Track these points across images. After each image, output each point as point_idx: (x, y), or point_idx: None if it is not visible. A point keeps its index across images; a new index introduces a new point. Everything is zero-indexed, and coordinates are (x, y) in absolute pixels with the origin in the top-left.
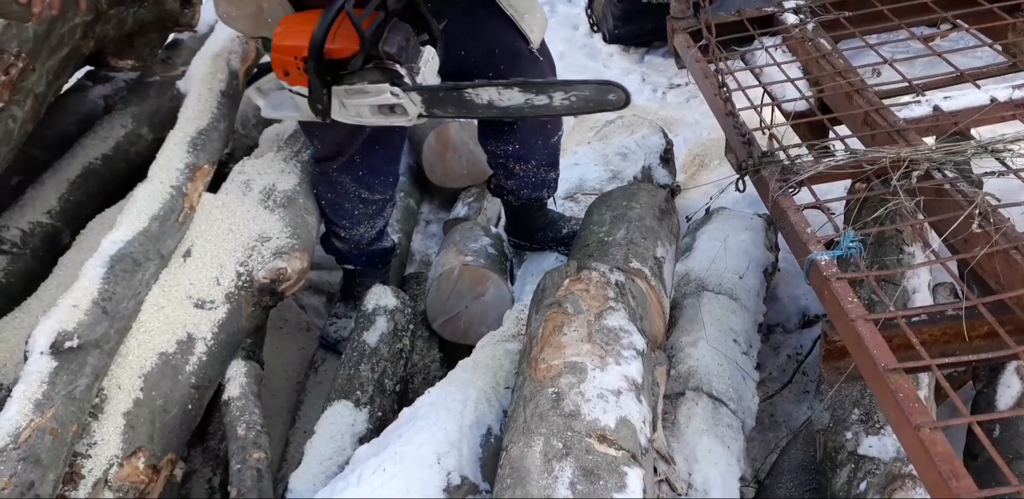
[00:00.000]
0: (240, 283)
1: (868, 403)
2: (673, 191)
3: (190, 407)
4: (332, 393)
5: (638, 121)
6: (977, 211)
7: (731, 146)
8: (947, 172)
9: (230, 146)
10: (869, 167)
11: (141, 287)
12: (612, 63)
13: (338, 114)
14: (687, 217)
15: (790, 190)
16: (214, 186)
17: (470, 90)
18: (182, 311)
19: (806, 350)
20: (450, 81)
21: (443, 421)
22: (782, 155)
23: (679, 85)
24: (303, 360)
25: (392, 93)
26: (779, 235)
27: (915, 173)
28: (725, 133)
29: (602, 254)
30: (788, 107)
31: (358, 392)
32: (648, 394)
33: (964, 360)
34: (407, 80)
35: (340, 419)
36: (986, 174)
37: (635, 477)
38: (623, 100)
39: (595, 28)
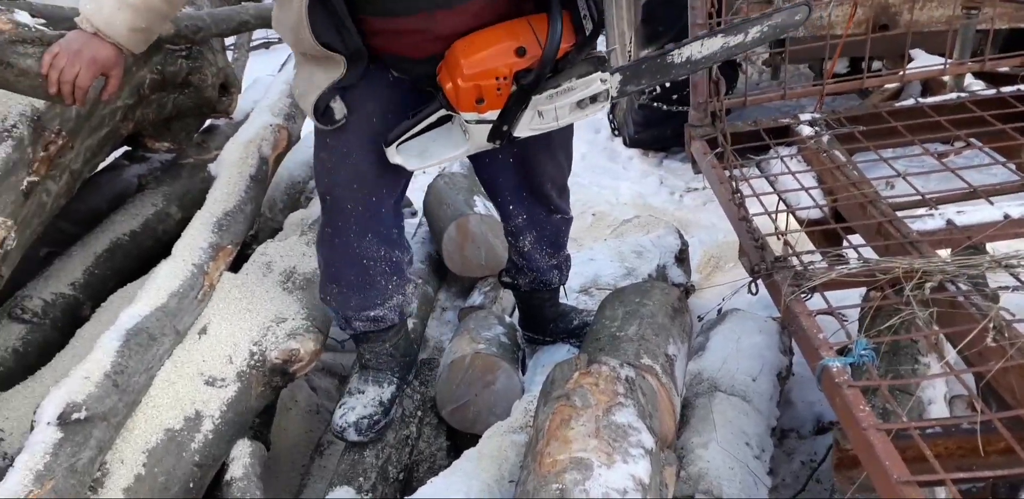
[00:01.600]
0: (252, 362)
1: None
2: (687, 291)
3: (192, 485)
4: (334, 478)
5: (654, 221)
6: (991, 325)
7: (744, 250)
8: (961, 284)
9: (255, 228)
10: (882, 276)
11: (154, 362)
12: (632, 166)
13: (526, 128)
14: (699, 317)
15: (803, 295)
16: (236, 267)
17: (674, 52)
18: (192, 388)
19: (820, 457)
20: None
21: None
22: (795, 260)
23: (696, 189)
24: (310, 442)
25: (601, 80)
26: (792, 339)
27: (928, 284)
28: (739, 237)
29: (613, 349)
30: (802, 215)
31: (360, 478)
32: (656, 495)
33: (980, 475)
34: (610, 62)
35: None
36: (1001, 288)
37: None
38: (807, 13)
39: (616, 132)
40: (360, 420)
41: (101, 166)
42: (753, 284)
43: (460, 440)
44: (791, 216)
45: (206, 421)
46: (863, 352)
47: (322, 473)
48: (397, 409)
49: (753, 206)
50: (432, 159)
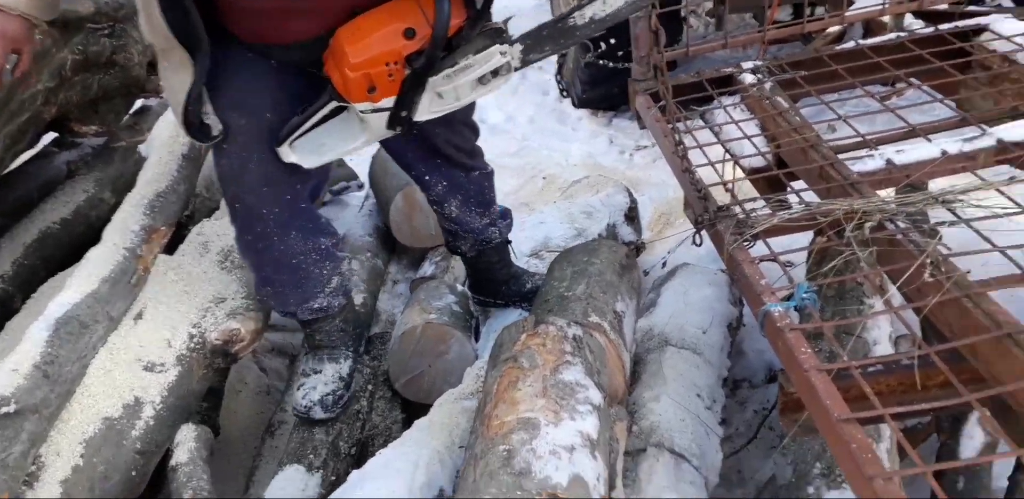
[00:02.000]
0: (192, 345)
1: (830, 457)
2: (638, 248)
3: (134, 474)
4: (284, 457)
5: (603, 180)
6: (928, 260)
7: (688, 202)
8: (900, 222)
9: (191, 208)
10: (823, 219)
11: (88, 350)
12: (581, 126)
13: (426, 112)
14: (645, 272)
15: (745, 243)
16: (172, 249)
17: (575, 14)
18: (130, 374)
19: (772, 404)
20: None
21: (392, 483)
22: (738, 209)
23: (645, 146)
24: (261, 424)
25: (501, 52)
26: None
27: (868, 224)
28: (683, 189)
29: (562, 309)
30: (746, 163)
31: (311, 456)
32: (604, 450)
33: (917, 409)
34: (507, 33)
35: (290, 485)
36: (939, 224)
37: None
38: None
39: (564, 93)
40: (324, 397)
41: (29, 154)
42: (697, 235)
43: (416, 412)
44: (736, 166)
45: (146, 407)
46: (804, 295)
47: (274, 453)
48: (356, 383)
49: (698, 158)
50: (330, 154)
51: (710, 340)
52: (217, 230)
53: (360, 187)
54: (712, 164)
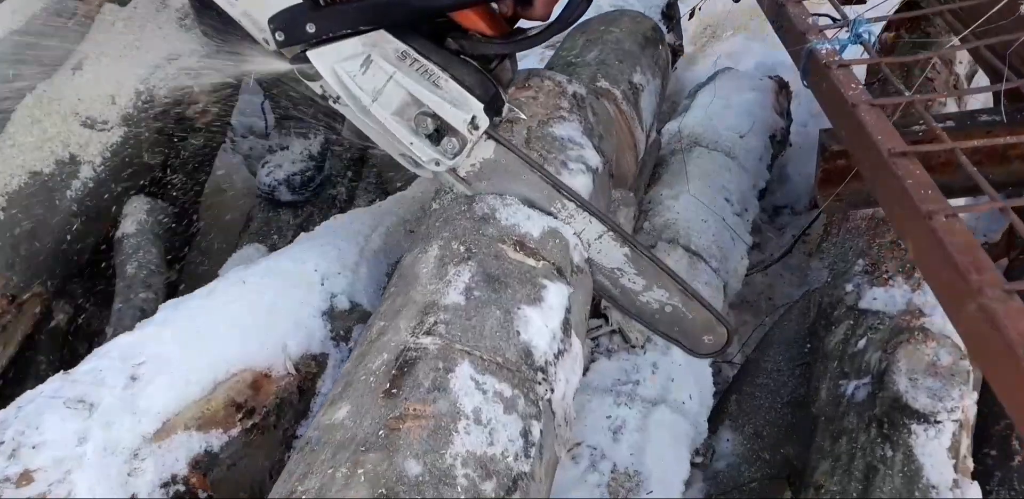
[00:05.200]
0: (140, 104)
1: (875, 252)
2: (675, 51)
3: (69, 238)
4: (246, 237)
5: None
6: None
7: None
8: None
9: None
10: None
11: (8, 92)
12: None
13: None
14: (690, 92)
15: None
16: None
17: None
18: (64, 128)
19: (812, 220)
20: None
21: (340, 241)
22: None
23: None
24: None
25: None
26: (791, 102)
27: None
28: None
29: (566, 74)
30: None
31: (275, 236)
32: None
33: (993, 142)
34: None
35: (244, 261)
36: None
37: (556, 292)
38: None
39: None
40: (291, 177)
41: None
42: None
43: None
44: None
45: (84, 167)
46: (861, 30)
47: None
48: (331, 164)
49: None
50: None
51: (748, 145)
52: None
53: None
54: None
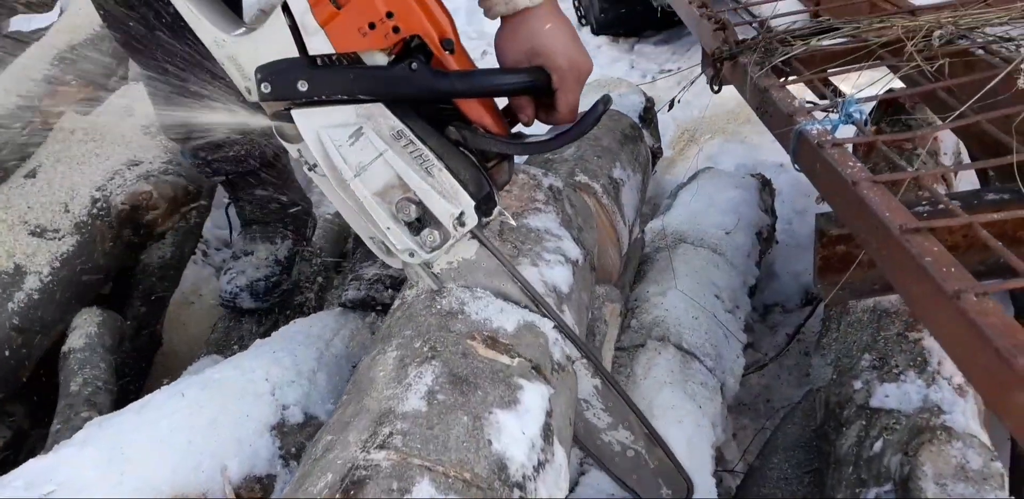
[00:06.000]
0: (95, 211)
1: (882, 346)
2: (655, 153)
3: (8, 353)
4: (205, 349)
5: (616, 82)
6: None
7: (703, 40)
8: (977, 38)
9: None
10: (876, 39)
11: None
12: (601, 53)
13: None
14: (672, 192)
15: (778, 78)
16: None
17: None
18: (11, 238)
19: (807, 316)
20: None
21: (297, 347)
22: (771, 30)
23: (670, 70)
24: None
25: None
26: (774, 199)
27: (937, 33)
28: (696, 32)
29: (543, 169)
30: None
31: (235, 346)
32: (578, 309)
33: (1016, 215)
34: None
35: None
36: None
37: (535, 393)
38: None
39: (583, 21)
40: (255, 283)
41: None
42: (714, 79)
43: None
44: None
45: (30, 278)
46: (852, 110)
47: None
48: (298, 270)
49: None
50: None
51: (734, 242)
52: (146, 94)
53: None
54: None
